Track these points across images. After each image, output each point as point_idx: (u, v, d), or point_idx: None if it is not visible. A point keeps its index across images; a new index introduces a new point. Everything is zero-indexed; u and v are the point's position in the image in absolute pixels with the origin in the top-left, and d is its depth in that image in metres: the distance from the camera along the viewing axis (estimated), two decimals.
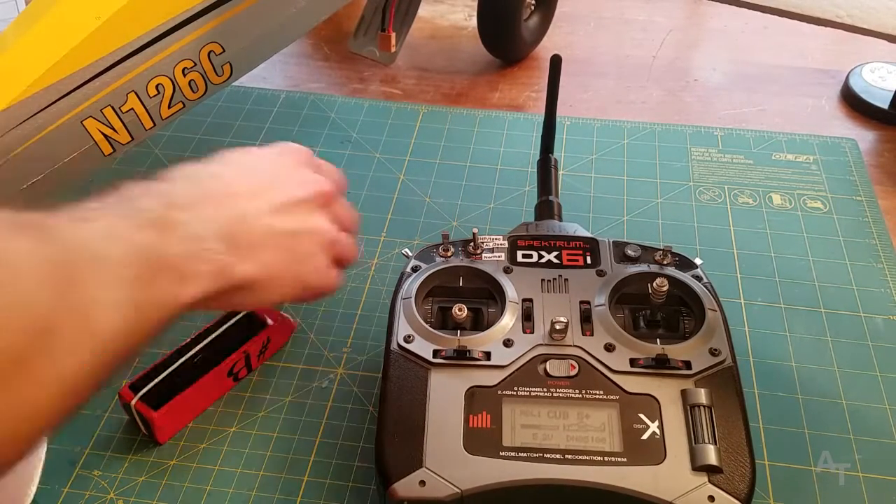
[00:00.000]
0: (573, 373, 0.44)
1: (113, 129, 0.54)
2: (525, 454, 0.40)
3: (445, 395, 0.43)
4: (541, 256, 0.50)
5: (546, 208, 0.55)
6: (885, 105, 0.74)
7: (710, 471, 0.40)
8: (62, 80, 0.50)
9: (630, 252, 0.49)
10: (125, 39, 0.53)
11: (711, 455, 0.40)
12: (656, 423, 0.42)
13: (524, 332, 0.45)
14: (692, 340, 0.45)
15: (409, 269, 0.49)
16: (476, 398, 0.43)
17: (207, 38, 0.58)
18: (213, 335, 0.51)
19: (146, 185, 0.37)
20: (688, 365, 0.43)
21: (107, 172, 0.67)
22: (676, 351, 0.44)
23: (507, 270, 0.49)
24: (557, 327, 0.44)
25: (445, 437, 0.41)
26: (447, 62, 0.83)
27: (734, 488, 0.39)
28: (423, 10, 0.86)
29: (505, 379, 0.43)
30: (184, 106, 0.59)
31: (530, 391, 0.43)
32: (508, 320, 0.46)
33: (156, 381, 0.48)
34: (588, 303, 0.47)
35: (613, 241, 0.50)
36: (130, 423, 0.49)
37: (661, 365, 0.43)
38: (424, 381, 0.43)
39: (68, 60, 0.50)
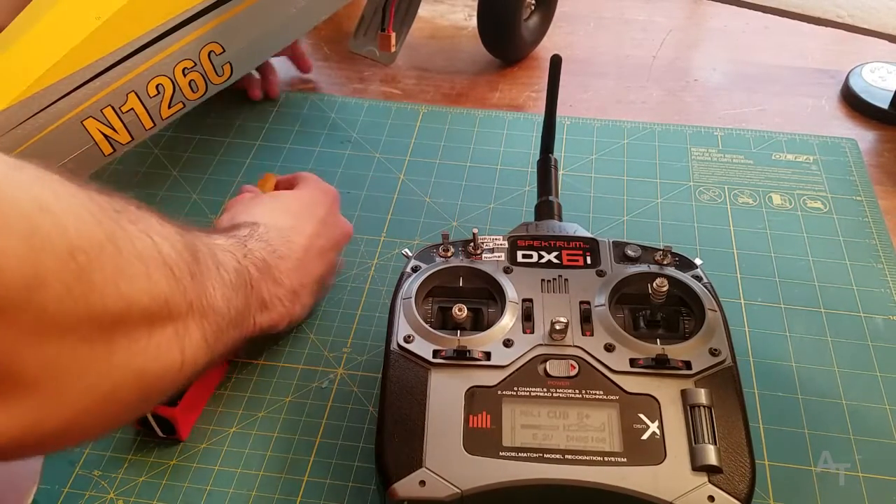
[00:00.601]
0: (573, 373, 0.44)
1: (113, 129, 0.54)
2: (525, 454, 0.40)
3: (445, 395, 0.43)
4: (541, 256, 0.50)
5: (546, 208, 0.55)
6: (885, 105, 0.74)
7: (710, 471, 0.40)
8: (62, 80, 0.50)
9: (630, 252, 0.49)
10: (125, 39, 0.53)
11: (711, 455, 0.40)
12: (656, 423, 0.42)
13: (524, 332, 0.45)
14: (692, 340, 0.45)
15: (409, 269, 0.49)
16: (476, 398, 0.43)
17: (207, 38, 0.58)
18: None
19: (252, 227, 0.47)
20: (688, 365, 0.43)
21: (107, 172, 0.68)
22: (676, 351, 0.44)
23: (507, 270, 0.49)
24: (557, 327, 0.44)
25: (445, 437, 0.41)
26: (447, 62, 0.83)
27: (734, 488, 0.39)
28: (423, 10, 0.86)
29: (505, 379, 0.43)
30: (184, 106, 0.59)
31: (530, 391, 0.43)
32: (508, 320, 0.46)
33: None
34: (588, 303, 0.47)
35: (613, 242, 0.50)
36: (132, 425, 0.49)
37: (661, 365, 0.43)
38: (424, 381, 0.43)
39: (68, 60, 0.50)
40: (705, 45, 0.86)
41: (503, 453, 0.41)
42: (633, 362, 0.44)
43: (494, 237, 0.51)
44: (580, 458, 0.40)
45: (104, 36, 0.51)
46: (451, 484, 0.39)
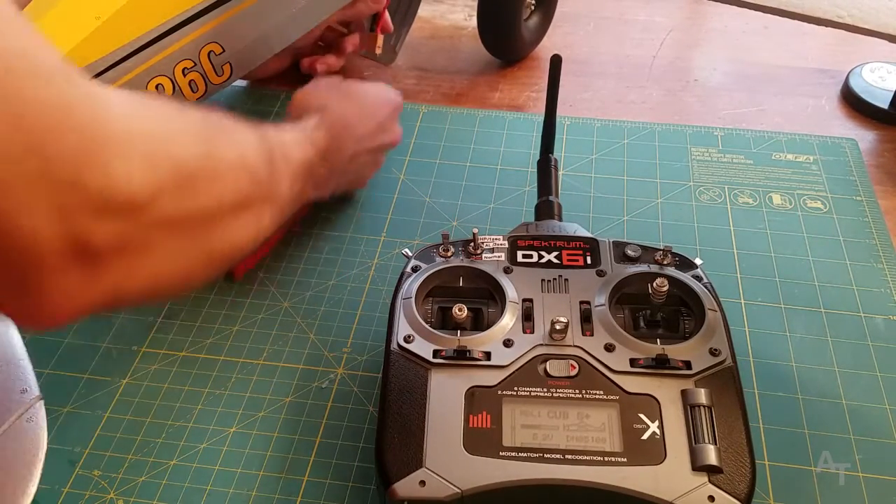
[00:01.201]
0: (573, 373, 0.44)
1: None
2: (525, 454, 0.40)
3: (445, 395, 0.43)
4: (541, 256, 0.50)
5: (546, 208, 0.55)
6: (885, 105, 0.74)
7: (711, 471, 0.40)
8: None
9: (630, 252, 0.49)
10: (125, 39, 0.53)
11: (711, 455, 0.40)
12: (656, 423, 0.42)
13: (524, 332, 0.45)
14: (692, 340, 0.45)
15: (409, 269, 0.49)
16: (476, 398, 0.43)
17: (207, 38, 0.58)
18: None
19: (321, 115, 0.55)
20: (688, 365, 0.43)
21: None
22: (676, 351, 0.44)
23: (507, 270, 0.49)
24: (557, 327, 0.44)
25: (445, 437, 0.41)
26: (447, 62, 0.83)
27: (734, 488, 0.39)
28: (423, 10, 0.86)
29: (505, 379, 0.43)
30: None
31: (530, 391, 0.43)
32: (508, 320, 0.46)
33: None
34: (588, 303, 0.47)
35: (613, 241, 0.50)
36: (131, 421, 0.49)
37: (661, 365, 0.43)
38: (424, 381, 0.43)
39: (68, 60, 0.50)
40: (705, 45, 0.86)
41: (503, 453, 0.41)
42: (633, 362, 0.44)
43: (494, 237, 0.51)
44: (580, 458, 0.40)
45: (104, 36, 0.51)
46: (451, 484, 0.39)
